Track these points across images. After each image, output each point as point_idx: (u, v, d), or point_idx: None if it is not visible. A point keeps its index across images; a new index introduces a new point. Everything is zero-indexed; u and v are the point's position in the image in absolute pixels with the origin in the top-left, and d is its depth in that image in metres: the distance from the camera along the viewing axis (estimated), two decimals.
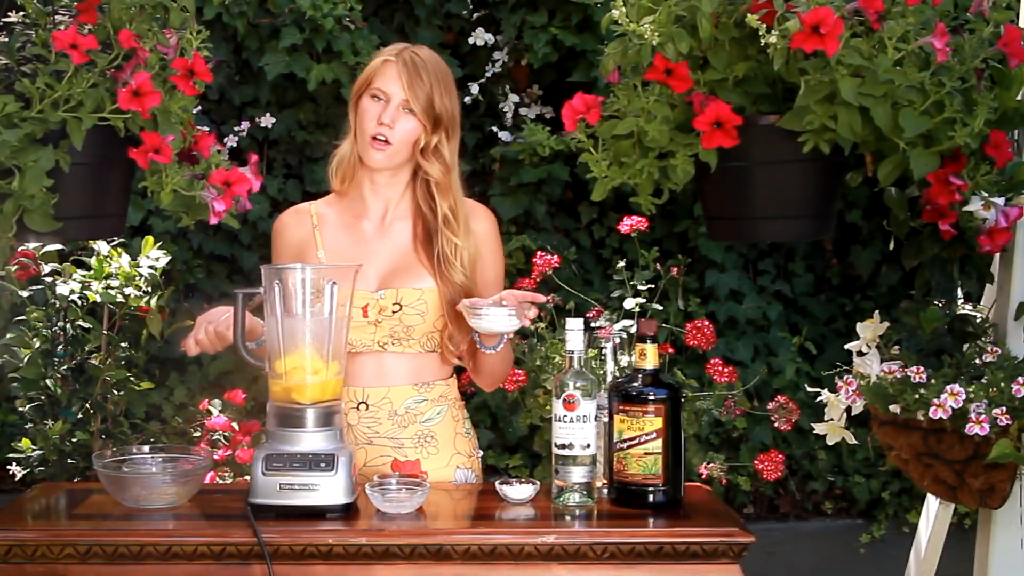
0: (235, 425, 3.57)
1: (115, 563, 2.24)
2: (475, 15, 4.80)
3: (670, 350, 3.60)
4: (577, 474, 2.38)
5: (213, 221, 2.41)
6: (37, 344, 3.57)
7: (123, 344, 3.68)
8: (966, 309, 2.42)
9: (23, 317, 3.60)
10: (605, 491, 2.44)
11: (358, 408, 2.67)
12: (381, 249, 2.72)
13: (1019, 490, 2.30)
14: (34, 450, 3.57)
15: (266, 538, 2.21)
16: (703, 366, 3.60)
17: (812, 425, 2.69)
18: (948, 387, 2.18)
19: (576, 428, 2.37)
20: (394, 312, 2.66)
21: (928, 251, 2.38)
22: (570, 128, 2.32)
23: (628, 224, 3.56)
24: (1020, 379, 2.17)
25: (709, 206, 2.40)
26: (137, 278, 3.58)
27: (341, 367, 2.43)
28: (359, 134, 2.68)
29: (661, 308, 3.62)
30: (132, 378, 3.67)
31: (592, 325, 3.15)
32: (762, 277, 4.82)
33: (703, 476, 3.51)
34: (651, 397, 2.36)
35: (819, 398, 2.49)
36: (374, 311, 2.65)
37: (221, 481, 3.37)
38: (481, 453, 2.84)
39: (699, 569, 2.23)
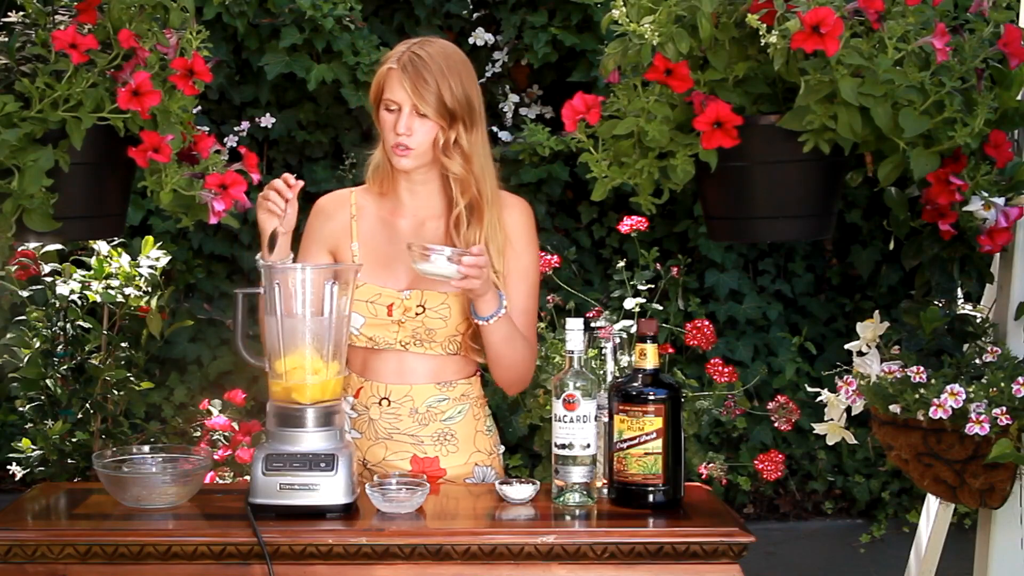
0: (235, 425, 3.57)
1: (115, 563, 2.24)
2: (475, 15, 4.80)
3: (670, 350, 3.60)
4: (577, 474, 2.38)
5: (213, 221, 2.41)
6: (37, 344, 3.56)
7: (123, 344, 3.68)
8: (966, 309, 2.42)
9: (23, 317, 3.60)
10: (605, 491, 2.44)
11: (380, 403, 2.67)
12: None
13: (1019, 490, 2.30)
14: (34, 450, 3.57)
15: (266, 538, 2.21)
16: (703, 366, 3.60)
17: (812, 425, 2.69)
18: (948, 387, 2.18)
19: (576, 428, 2.37)
20: (417, 314, 2.65)
21: (928, 251, 2.38)
22: (570, 128, 2.32)
23: (628, 224, 3.56)
24: (1020, 379, 2.17)
25: (709, 206, 2.40)
26: (137, 278, 3.58)
27: (341, 367, 2.43)
28: (384, 143, 2.67)
29: (661, 308, 3.62)
30: (132, 378, 3.67)
31: (592, 325, 3.15)
32: (762, 277, 4.82)
33: (703, 476, 3.51)
34: (651, 397, 2.36)
35: (819, 398, 2.49)
36: (398, 311, 2.65)
37: (221, 481, 3.37)
38: (503, 449, 2.82)
39: (699, 569, 2.23)
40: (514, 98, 4.73)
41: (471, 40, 4.72)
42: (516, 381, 2.74)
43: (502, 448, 2.82)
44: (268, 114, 4.59)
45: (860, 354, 2.42)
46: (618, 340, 2.99)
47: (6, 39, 2.31)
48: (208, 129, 4.15)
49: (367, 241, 2.71)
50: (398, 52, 2.66)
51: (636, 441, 2.36)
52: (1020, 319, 2.35)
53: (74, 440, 3.59)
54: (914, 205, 2.37)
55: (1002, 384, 2.17)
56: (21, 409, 3.65)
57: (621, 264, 3.64)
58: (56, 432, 3.54)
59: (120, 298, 3.55)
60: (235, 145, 4.52)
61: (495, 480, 2.71)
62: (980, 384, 2.19)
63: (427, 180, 2.70)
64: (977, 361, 2.28)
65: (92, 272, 3.57)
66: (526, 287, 2.71)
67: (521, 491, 2.41)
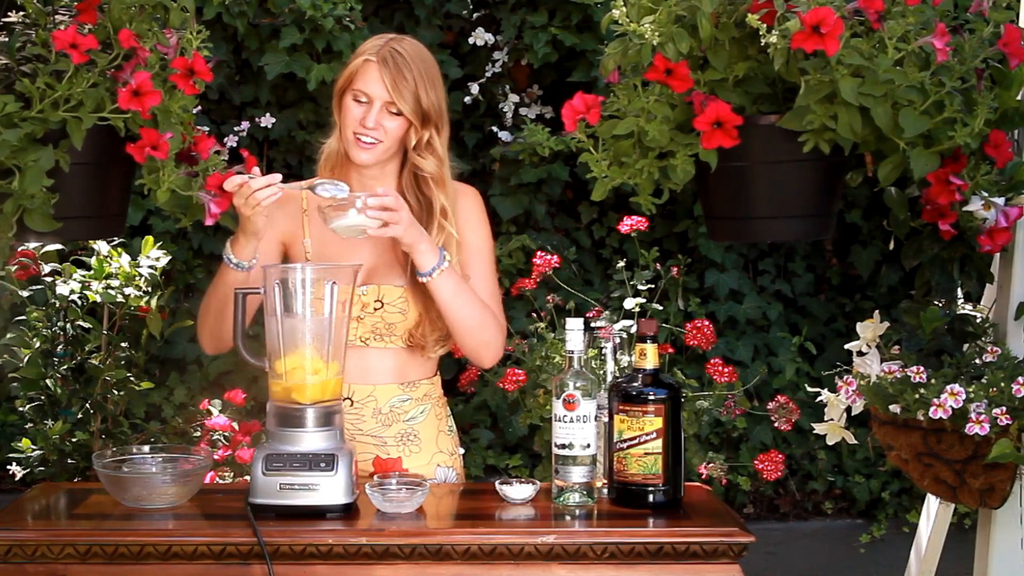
0: (235, 425, 3.56)
1: (115, 563, 2.24)
2: (475, 15, 4.80)
3: (670, 350, 3.60)
4: (577, 474, 2.38)
5: (209, 222, 2.41)
6: (37, 344, 3.56)
7: (123, 344, 3.68)
8: (966, 309, 2.42)
9: (23, 317, 3.60)
10: (605, 491, 2.44)
11: (343, 404, 2.67)
12: (366, 242, 2.69)
13: (1019, 490, 2.30)
14: (34, 450, 3.57)
15: (266, 538, 2.21)
16: (703, 366, 3.60)
17: (812, 425, 2.69)
18: (948, 387, 2.18)
19: (576, 428, 2.37)
20: (376, 309, 2.66)
21: (928, 251, 2.38)
22: (570, 128, 2.32)
23: (628, 224, 3.56)
24: (1020, 379, 2.17)
25: (709, 206, 2.40)
26: (137, 278, 3.58)
27: (341, 367, 2.43)
28: (343, 131, 2.66)
29: (661, 308, 3.62)
30: (132, 378, 3.66)
31: (592, 325, 3.15)
32: (762, 277, 4.82)
33: (703, 476, 3.51)
34: (651, 397, 2.36)
35: (819, 398, 2.49)
36: (356, 307, 2.64)
37: (221, 481, 3.37)
38: (463, 451, 2.84)
39: (699, 569, 2.23)
40: (514, 98, 4.73)
41: (471, 40, 4.71)
42: (481, 344, 2.67)
43: (462, 450, 2.83)
44: (268, 114, 4.58)
45: (860, 354, 2.42)
46: (618, 340, 2.98)
47: (6, 39, 2.31)
48: (208, 129, 4.16)
49: (319, 237, 2.69)
50: (375, 46, 2.64)
51: (636, 441, 2.36)
52: (1020, 319, 2.35)
53: (74, 440, 3.59)
54: (914, 205, 2.37)
55: (1002, 384, 2.17)
56: (21, 409, 3.65)
57: (621, 264, 3.64)
58: (56, 432, 3.54)
59: (120, 298, 3.55)
60: (235, 145, 4.51)
61: (457, 482, 2.73)
62: (980, 384, 2.19)
63: (381, 175, 2.70)
64: (977, 361, 2.28)
65: (92, 272, 3.57)
66: (480, 263, 2.72)
67: (521, 491, 2.41)
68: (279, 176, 2.46)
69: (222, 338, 2.63)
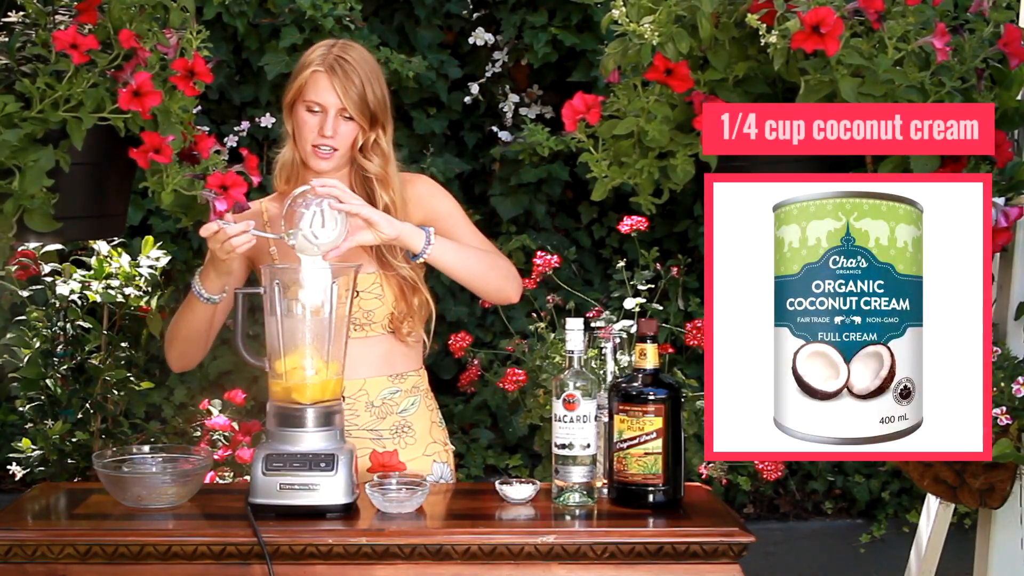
0: (235, 425, 3.56)
1: (115, 563, 2.24)
2: (475, 15, 4.80)
3: (670, 350, 3.59)
4: (577, 474, 2.38)
5: (213, 220, 2.41)
6: (37, 344, 3.56)
7: (123, 344, 3.67)
8: None
9: (23, 317, 3.60)
10: (605, 491, 2.44)
11: None
12: None
13: (1019, 490, 2.30)
14: (34, 450, 3.57)
15: (266, 538, 2.21)
16: (703, 366, 3.60)
17: None
18: None
19: (576, 428, 2.37)
20: (352, 299, 2.67)
21: None
22: (570, 128, 2.32)
23: (628, 224, 3.56)
24: (1020, 379, 2.17)
25: None
26: (137, 278, 3.58)
27: (341, 367, 2.43)
28: (300, 143, 2.71)
29: (661, 308, 3.62)
30: (132, 378, 3.66)
31: (592, 325, 3.14)
32: None
33: (703, 476, 3.51)
34: (651, 397, 2.36)
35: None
36: None
37: (221, 481, 3.37)
38: (453, 448, 2.85)
39: (699, 569, 2.24)
40: (514, 98, 4.73)
41: (471, 40, 4.72)
42: (501, 281, 2.72)
43: (452, 447, 2.84)
44: (268, 114, 4.59)
45: None
46: (618, 340, 2.98)
47: (6, 39, 2.31)
48: (208, 129, 4.16)
49: (283, 244, 2.71)
50: (320, 55, 2.69)
51: (636, 441, 2.36)
52: (1020, 319, 2.35)
53: (74, 440, 3.59)
54: None
55: (1002, 384, 2.17)
56: (21, 409, 3.65)
57: (621, 264, 3.64)
58: (56, 432, 3.54)
59: (120, 298, 3.55)
60: (235, 145, 4.52)
61: (451, 481, 2.74)
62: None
63: (334, 179, 2.71)
64: None
65: (92, 272, 3.57)
66: (460, 222, 2.76)
67: (521, 491, 2.41)
68: (252, 223, 2.50)
69: (190, 360, 2.75)
